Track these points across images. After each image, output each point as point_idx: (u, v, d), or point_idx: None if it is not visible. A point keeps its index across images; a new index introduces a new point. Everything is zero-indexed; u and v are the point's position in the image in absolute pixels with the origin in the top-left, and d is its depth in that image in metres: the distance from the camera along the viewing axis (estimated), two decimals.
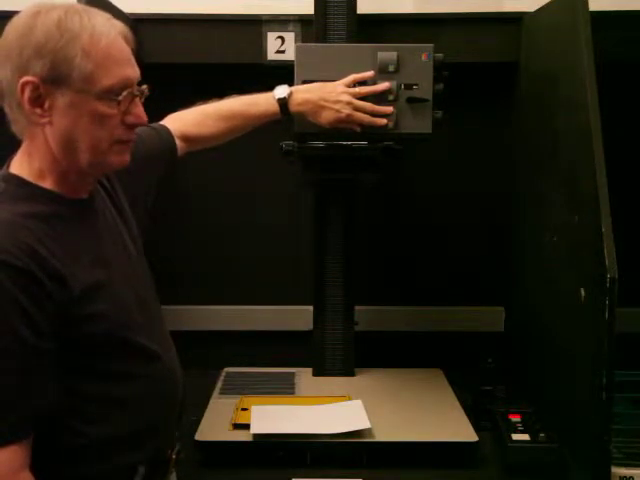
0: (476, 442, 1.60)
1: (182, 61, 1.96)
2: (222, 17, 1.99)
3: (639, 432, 1.66)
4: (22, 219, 1.10)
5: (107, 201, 1.32)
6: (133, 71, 1.18)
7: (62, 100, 1.12)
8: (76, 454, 1.15)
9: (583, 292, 1.49)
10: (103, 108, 1.14)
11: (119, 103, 1.15)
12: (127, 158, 1.21)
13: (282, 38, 1.98)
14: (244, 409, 1.73)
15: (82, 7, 1.17)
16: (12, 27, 1.13)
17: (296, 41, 1.97)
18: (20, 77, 1.10)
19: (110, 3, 1.79)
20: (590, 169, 1.47)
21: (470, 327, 2.17)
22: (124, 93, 1.15)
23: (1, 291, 1.04)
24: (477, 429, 1.65)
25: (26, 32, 1.11)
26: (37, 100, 1.12)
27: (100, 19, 1.15)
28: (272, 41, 1.99)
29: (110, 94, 1.14)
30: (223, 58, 1.99)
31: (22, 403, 1.07)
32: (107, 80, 1.13)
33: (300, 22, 1.98)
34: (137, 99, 1.19)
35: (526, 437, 1.58)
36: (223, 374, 2.01)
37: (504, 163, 2.10)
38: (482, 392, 1.80)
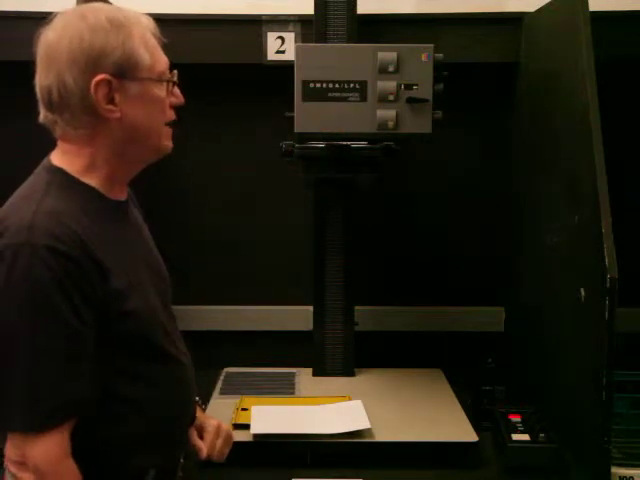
0: (476, 442, 1.60)
1: (182, 61, 1.95)
2: (222, 17, 1.99)
3: (639, 432, 1.66)
4: (70, 210, 1.12)
5: (135, 203, 1.36)
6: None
7: (130, 91, 1.17)
8: (88, 454, 1.15)
9: (583, 292, 1.49)
10: (160, 92, 1.21)
11: (174, 85, 1.24)
12: (171, 144, 1.27)
13: (282, 38, 1.98)
14: (244, 409, 1.73)
15: (110, 5, 1.23)
16: (62, 35, 1.14)
17: (296, 41, 1.97)
18: (91, 77, 1.13)
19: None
20: (590, 169, 1.47)
21: (470, 327, 2.17)
22: (174, 75, 1.24)
23: (49, 275, 1.05)
24: (477, 429, 1.65)
25: (84, 36, 1.13)
26: (108, 96, 1.15)
27: (132, 12, 1.21)
28: (272, 41, 1.99)
29: (162, 78, 1.21)
30: (223, 58, 1.99)
31: (65, 387, 1.08)
32: (159, 66, 1.21)
33: (300, 22, 1.98)
34: None
35: (526, 437, 1.58)
36: (223, 374, 2.01)
37: (504, 163, 2.10)
38: (482, 392, 1.80)
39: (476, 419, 1.72)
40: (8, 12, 1.93)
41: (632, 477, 1.52)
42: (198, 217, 2.17)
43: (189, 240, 2.16)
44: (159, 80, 1.20)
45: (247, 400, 1.79)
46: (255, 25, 1.98)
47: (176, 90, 1.26)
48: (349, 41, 1.88)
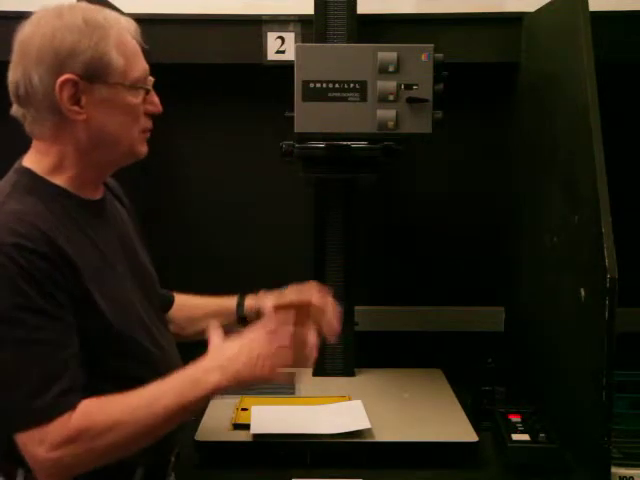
0: (476, 442, 1.60)
1: (182, 61, 1.96)
2: (222, 17, 1.98)
3: (639, 432, 1.66)
4: (34, 210, 1.12)
5: (115, 202, 1.35)
6: (146, 62, 1.23)
7: (98, 95, 1.15)
8: None
9: (583, 292, 1.49)
10: (133, 99, 1.19)
11: (147, 92, 1.21)
12: (146, 148, 1.25)
13: (282, 38, 1.98)
14: (244, 409, 1.73)
15: (93, 5, 1.21)
16: (36, 31, 1.14)
17: (296, 41, 1.97)
18: (57, 77, 1.12)
19: (110, 3, 1.79)
20: (590, 169, 1.47)
21: (470, 327, 2.17)
22: (149, 83, 1.22)
23: (20, 272, 1.05)
24: (477, 429, 1.65)
25: (56, 34, 1.13)
26: (74, 97, 1.14)
27: (115, 14, 1.20)
28: (272, 41, 1.99)
29: (137, 85, 1.19)
30: (223, 58, 1.99)
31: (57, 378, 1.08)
32: (135, 72, 1.19)
33: (300, 22, 1.98)
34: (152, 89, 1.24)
35: (526, 437, 1.57)
36: None
37: (504, 163, 2.10)
38: (482, 392, 1.80)
39: (476, 419, 1.72)
40: (7, 12, 1.93)
41: (632, 477, 1.52)
42: (198, 217, 2.17)
43: (189, 240, 2.16)
44: (132, 87, 1.18)
45: (247, 400, 1.78)
46: (255, 25, 1.98)
47: (154, 97, 1.24)
48: (349, 41, 1.88)
